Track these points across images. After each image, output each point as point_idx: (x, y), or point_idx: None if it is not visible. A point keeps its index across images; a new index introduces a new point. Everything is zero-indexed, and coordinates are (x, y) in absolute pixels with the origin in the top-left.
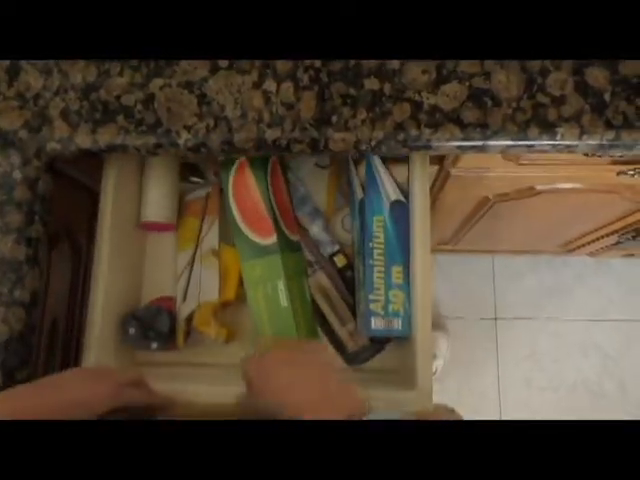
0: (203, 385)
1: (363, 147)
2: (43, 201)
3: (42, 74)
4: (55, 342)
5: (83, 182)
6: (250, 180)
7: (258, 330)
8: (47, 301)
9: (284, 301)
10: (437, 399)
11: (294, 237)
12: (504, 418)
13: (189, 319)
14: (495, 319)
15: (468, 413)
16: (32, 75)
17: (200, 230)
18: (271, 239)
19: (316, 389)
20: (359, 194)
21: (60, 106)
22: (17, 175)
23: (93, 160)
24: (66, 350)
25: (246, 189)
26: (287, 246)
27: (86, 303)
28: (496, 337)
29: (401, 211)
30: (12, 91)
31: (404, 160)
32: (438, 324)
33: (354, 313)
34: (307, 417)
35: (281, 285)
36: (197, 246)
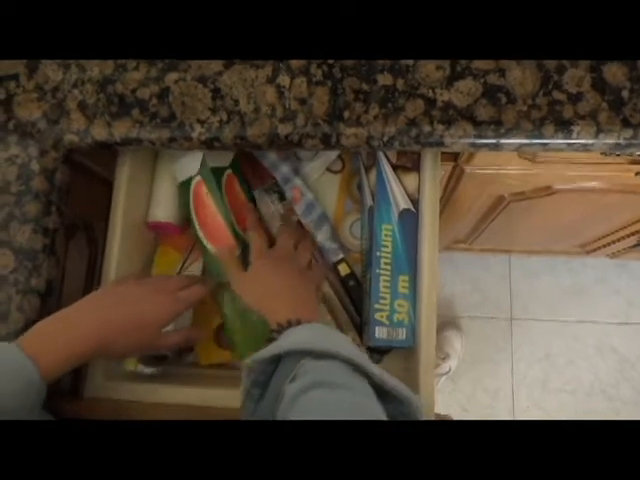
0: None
1: (375, 143)
2: (60, 192)
3: (60, 67)
4: None
5: (100, 174)
6: (207, 198)
7: (232, 343)
8: (63, 291)
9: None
10: (451, 398)
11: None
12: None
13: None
14: (511, 319)
15: (481, 413)
16: (51, 68)
17: (182, 266)
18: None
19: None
20: (369, 202)
21: (78, 99)
22: (35, 166)
23: (110, 152)
24: None
25: (203, 207)
26: None
27: None
28: (511, 337)
29: (410, 220)
30: (32, 84)
31: (414, 169)
32: (452, 323)
33: (355, 322)
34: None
35: None
36: None
